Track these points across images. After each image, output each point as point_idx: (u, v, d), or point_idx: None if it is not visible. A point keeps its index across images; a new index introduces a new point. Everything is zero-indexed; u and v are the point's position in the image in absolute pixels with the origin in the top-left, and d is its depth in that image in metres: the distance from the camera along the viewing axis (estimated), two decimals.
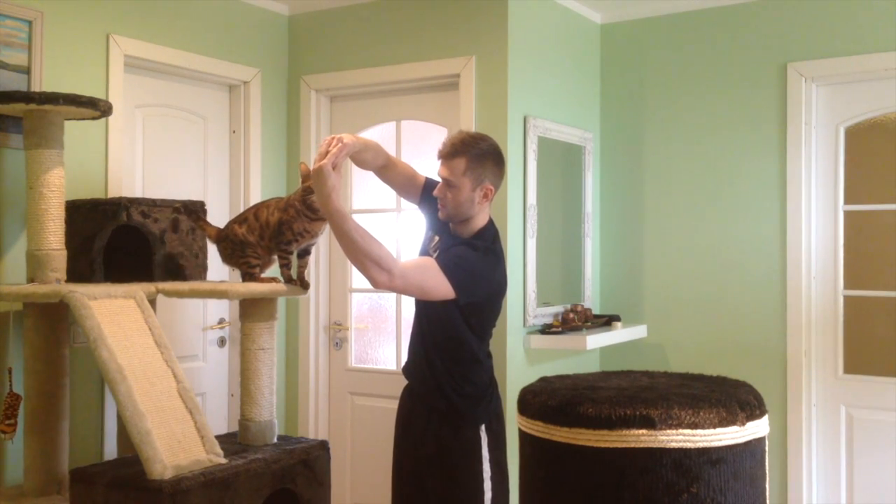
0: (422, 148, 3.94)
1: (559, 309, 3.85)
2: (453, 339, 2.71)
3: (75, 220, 2.96)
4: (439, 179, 2.73)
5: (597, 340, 3.67)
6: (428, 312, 2.75)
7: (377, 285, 2.50)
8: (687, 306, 4.01)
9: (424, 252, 2.84)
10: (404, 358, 2.93)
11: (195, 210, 3.10)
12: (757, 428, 1.83)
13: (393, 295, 3.98)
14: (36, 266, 2.83)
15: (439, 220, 2.80)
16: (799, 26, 3.79)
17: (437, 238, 2.83)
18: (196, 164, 3.82)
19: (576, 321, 3.73)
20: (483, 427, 2.73)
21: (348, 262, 4.09)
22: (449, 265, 2.59)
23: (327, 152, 2.46)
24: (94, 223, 2.95)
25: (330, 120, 4.16)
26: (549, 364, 3.78)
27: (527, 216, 3.68)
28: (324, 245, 4.14)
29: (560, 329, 3.68)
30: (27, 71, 3.06)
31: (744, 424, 1.79)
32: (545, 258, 3.78)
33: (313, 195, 2.66)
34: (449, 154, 2.68)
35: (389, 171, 2.88)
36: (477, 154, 2.68)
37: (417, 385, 2.81)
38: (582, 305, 3.89)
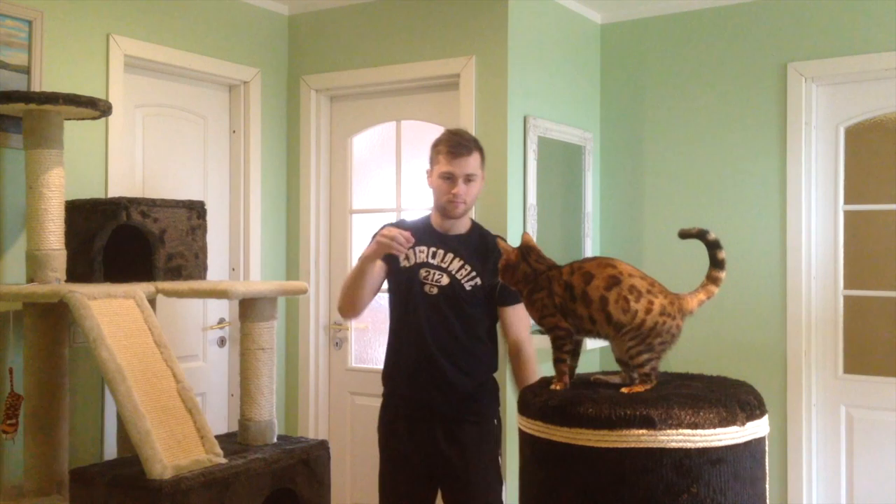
0: (422, 148, 3.92)
1: None
2: (488, 332, 2.89)
3: (75, 220, 2.96)
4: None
5: (597, 340, 3.65)
6: (473, 311, 2.84)
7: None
8: None
9: (396, 263, 2.84)
10: None
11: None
12: (757, 428, 1.83)
13: None
14: (36, 266, 2.83)
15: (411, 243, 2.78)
16: (799, 26, 3.79)
17: (433, 250, 2.87)
18: (196, 164, 3.82)
19: None
20: (496, 421, 2.91)
21: (348, 261, 4.12)
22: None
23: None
24: (94, 223, 2.95)
25: (330, 120, 4.16)
26: (550, 364, 3.77)
27: (527, 216, 3.68)
28: (324, 244, 4.14)
29: None
30: (27, 71, 3.06)
31: (744, 424, 1.79)
32: None
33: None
34: (469, 149, 2.81)
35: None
36: (482, 147, 2.87)
37: (457, 388, 2.83)
38: None
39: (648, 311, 1.89)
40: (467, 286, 2.82)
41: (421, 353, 2.82)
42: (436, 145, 2.86)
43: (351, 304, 2.87)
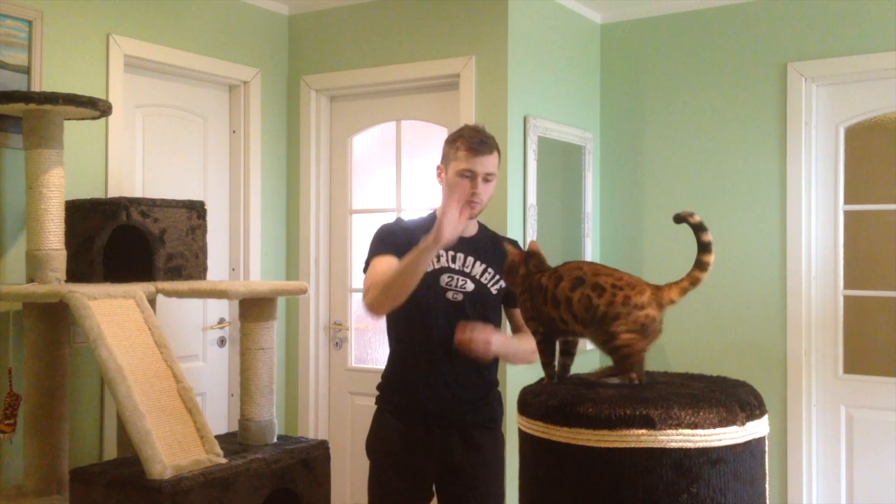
0: (422, 148, 3.94)
1: None
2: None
3: (75, 220, 2.96)
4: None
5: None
6: (494, 315, 2.72)
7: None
8: (687, 306, 3.97)
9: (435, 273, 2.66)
10: None
11: None
12: (757, 428, 1.83)
13: None
14: (36, 266, 2.83)
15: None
16: (799, 26, 3.79)
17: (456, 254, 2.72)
18: (196, 164, 3.82)
19: None
20: (502, 428, 2.85)
21: (348, 261, 4.12)
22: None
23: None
24: (94, 223, 2.95)
25: (330, 120, 4.16)
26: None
27: (527, 216, 3.68)
28: (324, 244, 4.14)
29: None
30: (27, 71, 3.06)
31: (744, 424, 1.79)
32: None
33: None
34: (491, 147, 2.63)
35: None
36: (499, 147, 2.69)
37: (474, 394, 2.73)
38: None
39: (611, 303, 1.90)
40: (493, 290, 2.68)
41: (443, 363, 2.65)
42: (454, 141, 2.64)
43: (395, 301, 2.51)
